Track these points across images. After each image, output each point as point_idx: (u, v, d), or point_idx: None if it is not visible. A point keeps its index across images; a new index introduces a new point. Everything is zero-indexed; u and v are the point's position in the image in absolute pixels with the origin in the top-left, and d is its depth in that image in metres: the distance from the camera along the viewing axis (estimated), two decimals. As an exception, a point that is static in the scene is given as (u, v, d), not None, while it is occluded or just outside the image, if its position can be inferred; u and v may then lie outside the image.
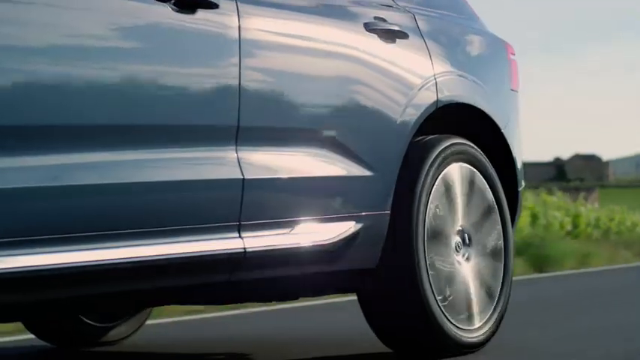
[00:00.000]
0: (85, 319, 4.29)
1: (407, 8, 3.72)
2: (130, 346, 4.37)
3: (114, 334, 4.42)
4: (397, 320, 3.54)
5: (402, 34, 3.58)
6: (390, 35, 3.54)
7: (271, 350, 4.09)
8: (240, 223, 2.94)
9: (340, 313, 5.50)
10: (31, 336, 4.40)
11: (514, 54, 4.24)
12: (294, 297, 3.54)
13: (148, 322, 4.60)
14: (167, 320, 5.28)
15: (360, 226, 3.30)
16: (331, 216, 3.23)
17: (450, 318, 3.55)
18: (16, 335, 4.70)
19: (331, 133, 3.26)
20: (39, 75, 2.50)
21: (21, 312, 2.88)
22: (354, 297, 3.66)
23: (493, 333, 3.75)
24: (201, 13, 2.88)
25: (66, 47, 2.56)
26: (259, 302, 3.78)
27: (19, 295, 2.49)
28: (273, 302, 4.33)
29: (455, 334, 3.56)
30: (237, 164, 2.95)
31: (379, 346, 3.67)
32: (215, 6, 2.91)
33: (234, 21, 2.97)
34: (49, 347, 4.35)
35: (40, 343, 4.37)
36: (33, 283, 2.47)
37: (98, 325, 4.35)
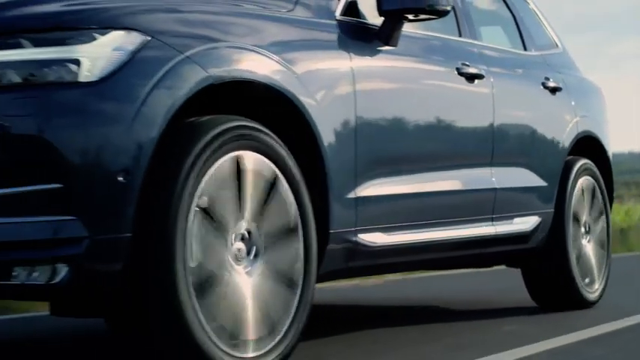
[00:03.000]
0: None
1: (556, 69, 5.39)
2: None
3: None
4: (549, 283, 5.21)
5: (559, 89, 5.26)
6: (553, 90, 5.21)
7: (457, 305, 5.74)
8: (493, 216, 4.57)
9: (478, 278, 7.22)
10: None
11: (603, 95, 5.97)
12: (497, 265, 5.21)
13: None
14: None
15: (540, 219, 4.96)
16: (528, 212, 4.88)
17: (582, 282, 5.25)
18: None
19: (528, 156, 4.91)
20: (417, 125, 4.06)
21: (405, 267, 4.55)
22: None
23: (603, 293, 5.46)
24: (477, 82, 4.48)
25: (424, 106, 4.11)
26: (485, 267, 5.41)
27: (408, 257, 4.08)
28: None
29: (584, 292, 5.26)
30: (492, 178, 4.56)
31: (527, 301, 5.34)
32: (483, 77, 4.52)
33: (490, 85, 4.59)
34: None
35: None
36: (416, 250, 4.07)
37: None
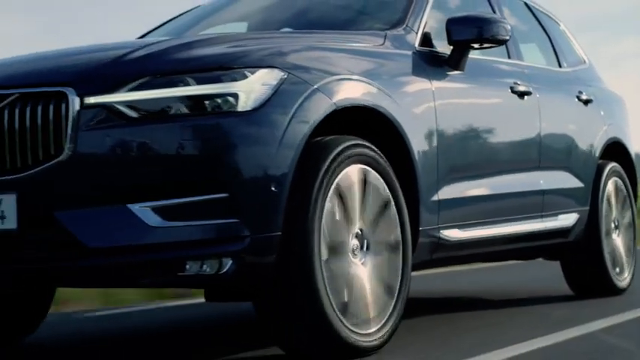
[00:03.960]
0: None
1: (586, 83, 6.10)
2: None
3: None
4: (585, 273, 5.90)
5: (590, 101, 5.96)
6: (586, 102, 5.92)
7: (498, 295, 6.42)
8: (542, 214, 5.25)
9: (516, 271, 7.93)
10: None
11: (625, 103, 6.68)
12: (541, 256, 5.90)
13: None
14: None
15: (578, 216, 5.66)
16: (569, 209, 5.58)
17: (613, 271, 5.94)
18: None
19: (568, 161, 5.60)
20: (478, 138, 4.74)
21: (474, 259, 5.31)
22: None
23: (631, 281, 6.16)
24: (526, 98, 5.18)
25: (487, 121, 4.80)
26: (532, 259, 6.09)
27: (478, 249, 4.77)
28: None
29: (616, 281, 5.95)
30: (540, 181, 5.25)
31: (562, 290, 6.03)
32: (530, 93, 5.22)
33: (536, 101, 5.28)
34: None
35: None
36: (484, 243, 4.76)
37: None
